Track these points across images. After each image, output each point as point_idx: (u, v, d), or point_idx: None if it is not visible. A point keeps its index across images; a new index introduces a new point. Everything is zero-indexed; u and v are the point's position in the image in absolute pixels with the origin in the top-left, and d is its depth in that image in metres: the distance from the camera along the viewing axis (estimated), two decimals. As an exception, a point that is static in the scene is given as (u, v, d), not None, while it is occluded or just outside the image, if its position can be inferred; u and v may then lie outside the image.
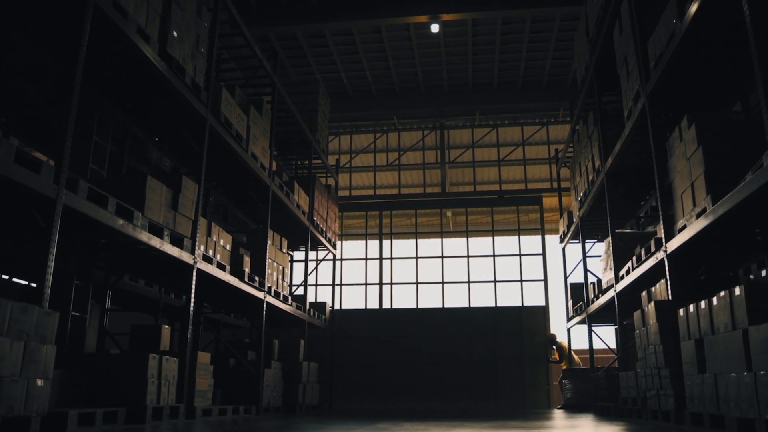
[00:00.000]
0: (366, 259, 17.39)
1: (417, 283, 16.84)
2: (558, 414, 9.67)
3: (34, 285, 8.22)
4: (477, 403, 15.72)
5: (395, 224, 18.45)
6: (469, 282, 16.69)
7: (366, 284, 17.16)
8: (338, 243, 17.64)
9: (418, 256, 17.05)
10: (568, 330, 14.26)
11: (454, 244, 17.64)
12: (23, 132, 7.85)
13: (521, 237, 17.06)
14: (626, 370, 9.31)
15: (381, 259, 17.28)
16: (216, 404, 8.93)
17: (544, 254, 16.82)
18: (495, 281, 16.63)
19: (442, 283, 16.84)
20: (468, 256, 16.93)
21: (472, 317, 16.33)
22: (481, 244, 17.47)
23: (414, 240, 17.44)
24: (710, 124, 5.99)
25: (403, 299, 17.06)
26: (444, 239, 17.41)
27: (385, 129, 18.26)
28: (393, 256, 17.29)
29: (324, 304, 14.75)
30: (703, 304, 5.29)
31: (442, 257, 17.05)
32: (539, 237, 17.31)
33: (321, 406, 15.28)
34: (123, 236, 6.03)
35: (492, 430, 5.24)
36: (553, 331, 13.85)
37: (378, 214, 17.87)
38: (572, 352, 13.49)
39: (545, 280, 16.59)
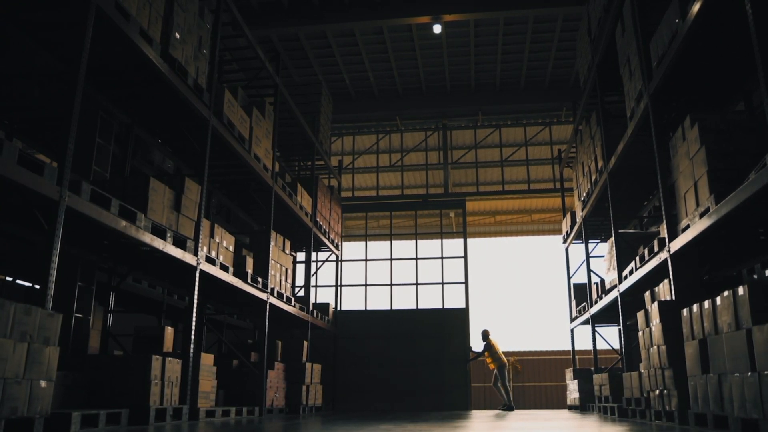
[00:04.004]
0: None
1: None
2: (553, 414, 9.65)
3: (37, 286, 8.25)
4: (399, 404, 15.89)
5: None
6: (389, 284, 16.71)
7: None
8: (341, 244, 17.68)
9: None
10: (572, 330, 14.24)
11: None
12: (27, 134, 7.87)
13: (443, 240, 17.15)
14: (630, 370, 9.29)
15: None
16: (219, 405, 8.94)
17: (465, 257, 16.83)
18: (417, 284, 16.71)
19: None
20: (391, 259, 17.02)
21: (399, 318, 16.49)
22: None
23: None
24: (713, 124, 5.98)
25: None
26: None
27: (387, 130, 18.26)
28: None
29: (327, 304, 14.76)
30: (706, 304, 5.28)
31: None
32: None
33: (324, 407, 15.28)
34: (126, 238, 6.04)
35: (497, 430, 5.24)
36: (485, 328, 13.79)
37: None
38: (502, 352, 13.40)
39: (466, 282, 16.59)
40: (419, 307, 16.57)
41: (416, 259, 16.88)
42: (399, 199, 17.45)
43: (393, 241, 17.39)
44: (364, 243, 17.47)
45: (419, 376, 15.99)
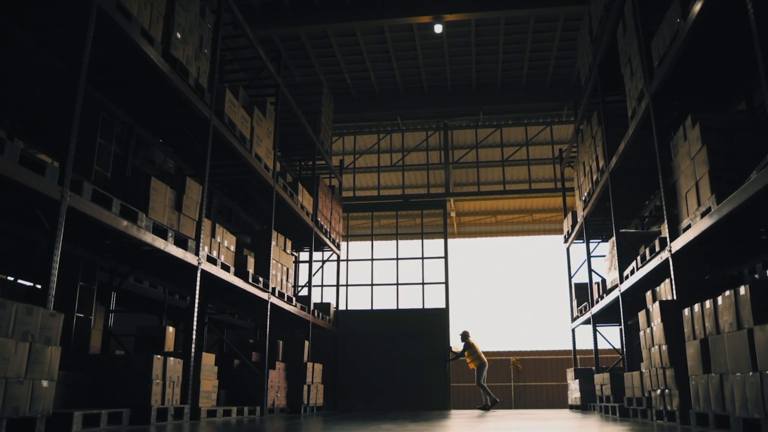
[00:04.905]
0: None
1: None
2: (554, 414, 9.65)
3: (39, 286, 8.25)
4: (379, 403, 15.97)
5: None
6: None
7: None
8: (342, 244, 17.71)
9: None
10: (573, 330, 14.23)
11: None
12: (28, 134, 7.88)
13: (424, 240, 17.19)
14: (631, 370, 9.29)
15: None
16: (220, 405, 8.95)
17: (446, 257, 16.85)
18: (397, 284, 16.77)
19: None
20: (372, 259, 17.07)
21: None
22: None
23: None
24: (714, 123, 5.97)
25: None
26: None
27: (388, 130, 18.26)
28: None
29: (328, 304, 14.76)
30: (708, 303, 5.27)
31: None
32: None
33: (326, 406, 15.28)
34: (127, 237, 6.05)
35: (500, 430, 5.24)
36: (464, 329, 13.79)
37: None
38: (482, 352, 13.39)
39: (446, 282, 16.62)
40: (400, 307, 16.61)
41: (397, 259, 16.93)
42: (399, 198, 17.44)
43: (375, 242, 17.49)
44: (346, 243, 17.60)
45: (399, 376, 16.05)
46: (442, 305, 16.56)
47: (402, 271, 17.92)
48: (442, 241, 17.19)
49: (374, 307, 16.72)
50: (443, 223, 17.30)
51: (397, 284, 16.74)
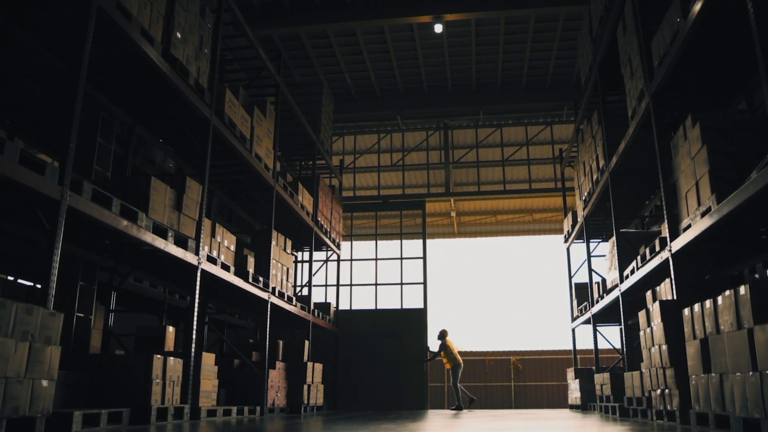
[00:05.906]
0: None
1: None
2: (554, 414, 9.65)
3: (39, 286, 8.25)
4: (360, 402, 16.07)
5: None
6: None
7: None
8: (342, 244, 17.74)
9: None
10: (573, 330, 14.23)
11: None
12: (28, 133, 7.88)
13: (404, 240, 17.27)
14: (631, 370, 9.29)
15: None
16: (220, 405, 8.94)
17: (424, 258, 16.90)
18: (376, 284, 16.83)
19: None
20: (352, 260, 17.19)
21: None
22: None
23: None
24: (715, 123, 5.97)
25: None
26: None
27: (389, 129, 18.25)
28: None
29: (329, 304, 14.76)
30: (708, 303, 5.27)
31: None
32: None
33: (326, 406, 15.29)
34: (127, 237, 6.05)
35: (500, 430, 5.24)
36: (443, 328, 13.79)
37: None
38: (457, 353, 13.37)
39: (425, 283, 16.66)
40: (379, 307, 16.66)
41: (376, 259, 16.96)
42: (402, 198, 17.45)
43: (354, 242, 17.60)
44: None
45: (378, 375, 16.09)
46: (422, 305, 16.61)
47: (383, 271, 18.00)
48: (421, 241, 17.24)
49: (353, 307, 16.78)
50: (422, 223, 17.32)
51: (376, 284, 16.79)
